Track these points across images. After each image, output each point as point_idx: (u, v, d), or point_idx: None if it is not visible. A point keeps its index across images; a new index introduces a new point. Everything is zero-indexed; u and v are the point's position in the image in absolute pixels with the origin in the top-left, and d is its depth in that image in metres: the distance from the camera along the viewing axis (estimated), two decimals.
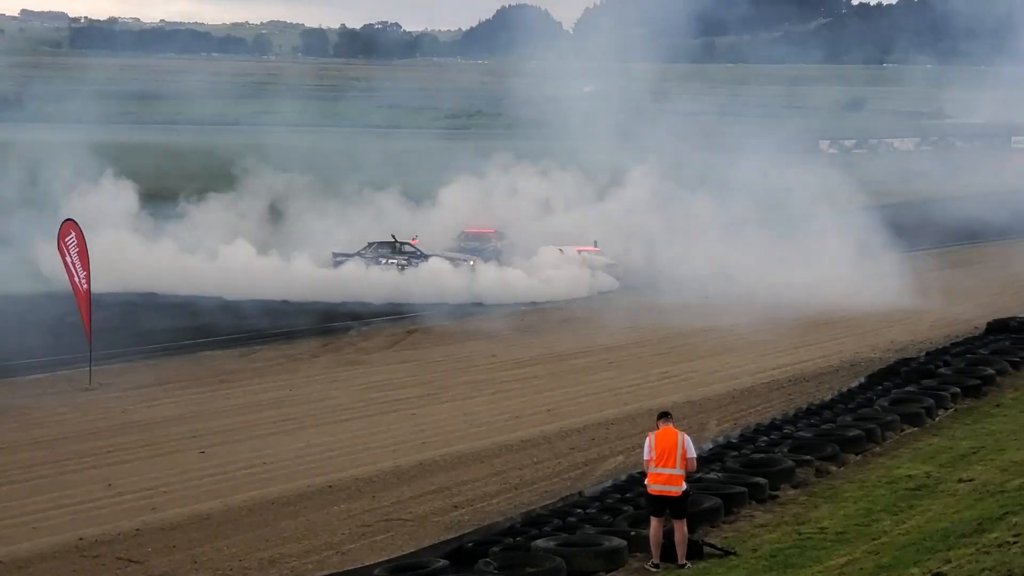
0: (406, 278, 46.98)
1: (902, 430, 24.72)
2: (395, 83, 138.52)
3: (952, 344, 34.65)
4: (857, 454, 22.94)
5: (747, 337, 38.22)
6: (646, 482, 17.70)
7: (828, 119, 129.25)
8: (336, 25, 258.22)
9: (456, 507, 21.72)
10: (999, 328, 35.91)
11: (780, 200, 53.11)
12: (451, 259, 48.69)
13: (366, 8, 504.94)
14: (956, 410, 26.67)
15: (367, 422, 28.49)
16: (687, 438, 17.63)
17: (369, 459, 25.11)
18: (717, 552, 17.73)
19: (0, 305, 41.43)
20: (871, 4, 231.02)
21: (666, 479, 17.38)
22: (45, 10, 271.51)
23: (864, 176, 67.49)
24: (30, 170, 51.55)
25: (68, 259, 34.11)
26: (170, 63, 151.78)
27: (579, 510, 19.89)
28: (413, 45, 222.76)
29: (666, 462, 17.40)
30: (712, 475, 20.84)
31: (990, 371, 29.34)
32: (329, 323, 41.65)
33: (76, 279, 33.87)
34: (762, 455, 22.21)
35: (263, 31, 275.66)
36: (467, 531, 19.68)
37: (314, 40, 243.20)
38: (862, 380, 30.33)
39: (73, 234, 34.13)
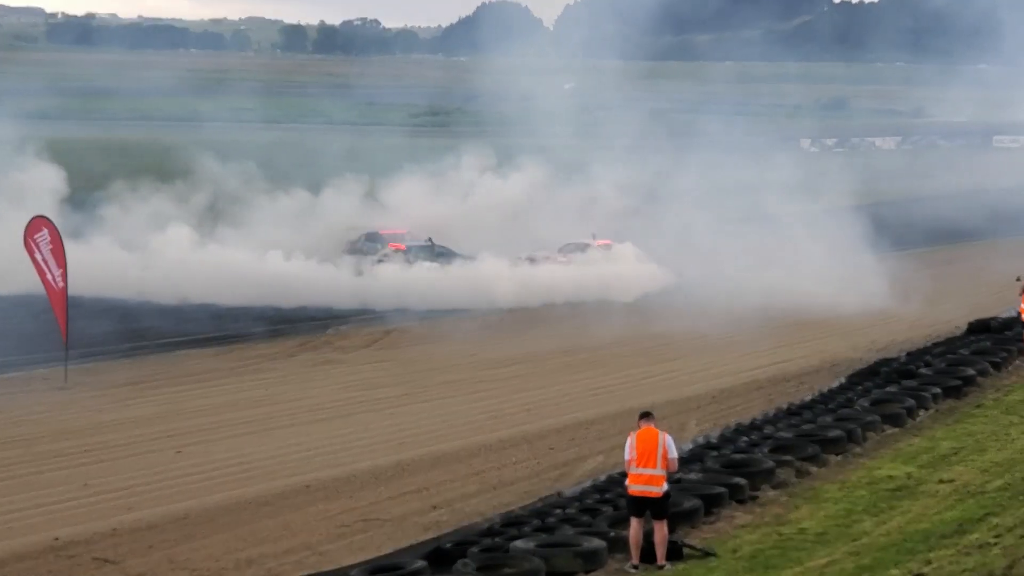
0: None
1: (883, 431, 24.67)
2: (372, 79, 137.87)
3: (933, 344, 34.62)
4: (838, 455, 22.87)
5: (727, 337, 38.13)
6: (627, 483, 17.60)
7: (809, 117, 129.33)
8: (315, 21, 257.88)
9: (435, 507, 21.54)
10: (980, 328, 35.92)
11: (759, 200, 53.02)
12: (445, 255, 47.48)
13: (345, 4, 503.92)
14: (937, 411, 26.63)
15: (345, 422, 28.35)
16: (669, 438, 17.52)
17: (347, 459, 24.95)
18: (697, 553, 17.68)
19: None
20: (852, 2, 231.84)
21: (646, 479, 17.28)
22: (22, 5, 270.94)
23: (845, 175, 67.34)
24: None
25: (38, 256, 33.45)
26: (144, 58, 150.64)
27: (558, 510, 19.76)
28: (392, 42, 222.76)
29: (646, 463, 17.30)
30: (692, 475, 20.76)
31: (971, 372, 29.34)
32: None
33: (50, 277, 33.26)
34: (742, 456, 22.14)
35: (242, 27, 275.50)
36: (446, 531, 19.57)
37: (293, 36, 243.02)
38: (843, 380, 30.22)
39: (46, 231, 33.57)
